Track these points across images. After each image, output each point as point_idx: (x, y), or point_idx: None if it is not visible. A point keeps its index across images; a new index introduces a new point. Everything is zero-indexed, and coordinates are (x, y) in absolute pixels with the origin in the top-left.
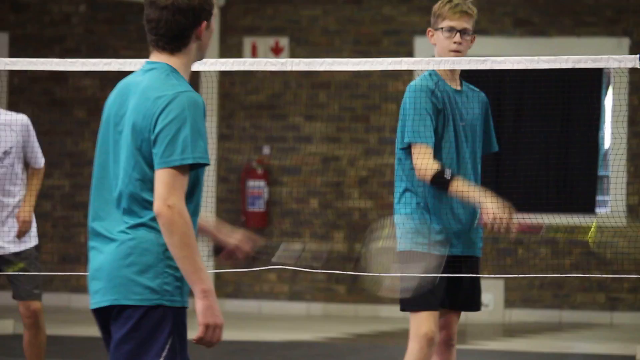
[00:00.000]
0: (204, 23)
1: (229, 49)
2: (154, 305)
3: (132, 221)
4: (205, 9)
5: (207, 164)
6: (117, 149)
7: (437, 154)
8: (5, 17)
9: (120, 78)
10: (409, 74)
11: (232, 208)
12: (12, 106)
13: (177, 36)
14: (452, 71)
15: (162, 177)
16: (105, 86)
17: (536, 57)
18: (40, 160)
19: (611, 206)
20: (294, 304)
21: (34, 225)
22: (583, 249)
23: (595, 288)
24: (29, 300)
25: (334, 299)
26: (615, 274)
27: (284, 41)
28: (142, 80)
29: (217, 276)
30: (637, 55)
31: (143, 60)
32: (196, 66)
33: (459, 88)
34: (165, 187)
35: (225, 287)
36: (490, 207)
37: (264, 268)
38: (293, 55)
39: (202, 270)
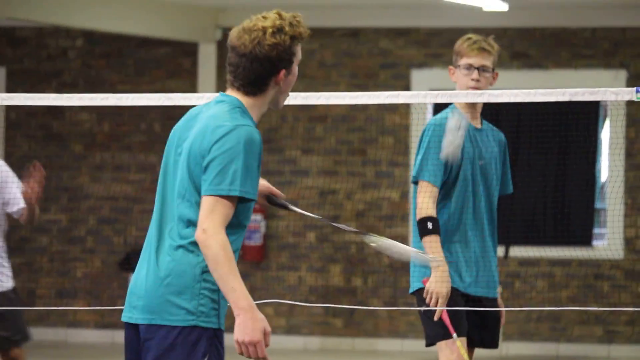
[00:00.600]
0: (283, 71)
1: (226, 83)
2: (189, 325)
3: (174, 242)
4: (284, 59)
5: (254, 200)
6: (176, 170)
7: (452, 192)
8: (2, 52)
9: (117, 112)
10: (405, 107)
11: None
12: (9, 140)
13: (253, 82)
14: (473, 109)
15: (206, 203)
16: (102, 120)
17: (533, 90)
18: (15, 207)
19: (608, 239)
20: (291, 337)
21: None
22: (580, 282)
23: (593, 321)
24: (9, 349)
25: (331, 332)
26: (613, 307)
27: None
28: (210, 109)
29: None
30: (634, 88)
31: (140, 95)
32: (193, 100)
33: (479, 126)
34: (206, 212)
35: None
36: (433, 280)
37: (259, 302)
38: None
39: (236, 290)
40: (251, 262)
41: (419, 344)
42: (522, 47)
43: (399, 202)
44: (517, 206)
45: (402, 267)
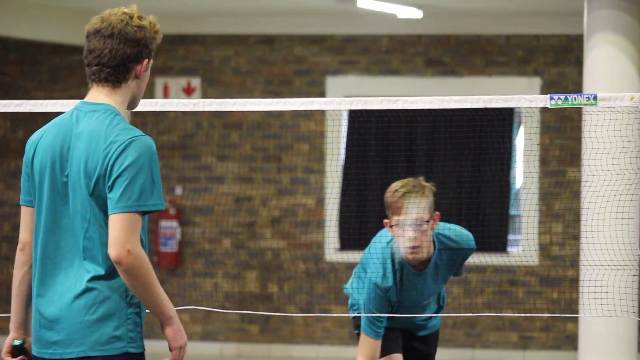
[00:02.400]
0: (145, 61)
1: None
2: (121, 353)
3: (91, 268)
4: (148, 47)
5: (162, 210)
6: (68, 193)
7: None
8: None
9: (31, 119)
10: (321, 114)
11: None
12: None
13: (119, 66)
14: (420, 254)
15: (118, 221)
16: (16, 127)
17: (448, 97)
18: None
19: (523, 245)
20: (207, 344)
21: None
22: (495, 288)
23: (508, 327)
24: None
25: (247, 339)
26: (528, 313)
27: (195, 81)
28: (86, 124)
29: None
30: (548, 95)
31: (54, 102)
32: None
33: (425, 267)
34: (122, 231)
35: None
36: None
37: (175, 308)
38: (205, 95)
39: (166, 299)
40: (167, 268)
41: (335, 350)
42: (436, 54)
43: (314, 209)
44: None
45: (317, 274)
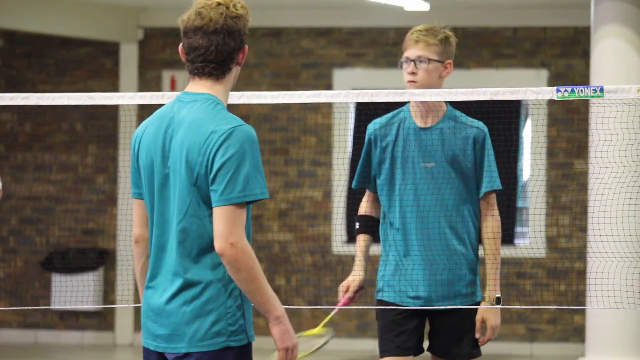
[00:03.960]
0: (246, 47)
1: (147, 83)
2: (221, 348)
3: (188, 263)
4: (246, 33)
5: (267, 198)
6: (167, 185)
7: (392, 198)
8: None
9: (38, 112)
10: (327, 107)
11: None
12: None
13: (225, 60)
14: (426, 105)
15: (223, 214)
16: (23, 120)
17: (454, 89)
18: None
19: (530, 238)
20: None
21: None
22: (502, 281)
23: (515, 319)
24: None
25: (254, 331)
26: (535, 305)
27: None
28: (187, 113)
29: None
30: (555, 87)
31: (61, 95)
32: (115, 100)
33: (429, 124)
34: (227, 224)
35: None
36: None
37: None
38: None
39: (273, 297)
40: None
41: (341, 342)
42: None
43: (321, 201)
44: None
45: (325, 266)
